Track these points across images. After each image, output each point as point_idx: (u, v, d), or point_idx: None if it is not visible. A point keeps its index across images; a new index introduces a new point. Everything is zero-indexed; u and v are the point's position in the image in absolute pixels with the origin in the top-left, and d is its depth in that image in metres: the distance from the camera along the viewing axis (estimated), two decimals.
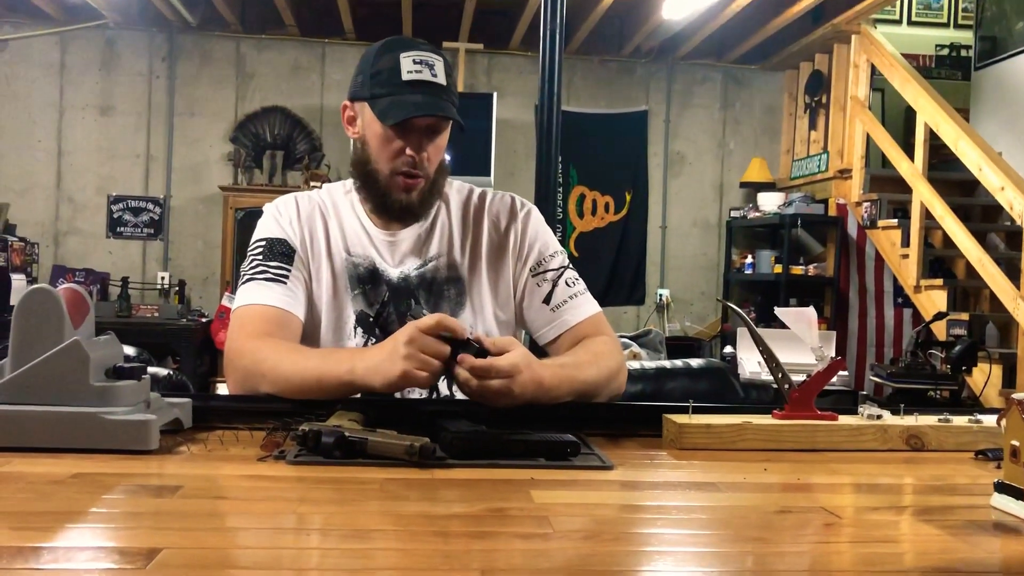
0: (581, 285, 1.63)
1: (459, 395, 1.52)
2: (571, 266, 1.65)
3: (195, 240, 6.69)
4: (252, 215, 6.32)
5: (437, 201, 1.62)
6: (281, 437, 1.16)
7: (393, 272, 1.58)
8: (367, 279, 1.57)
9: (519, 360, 1.25)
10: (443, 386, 1.54)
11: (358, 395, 1.33)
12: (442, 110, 1.49)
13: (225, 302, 6.04)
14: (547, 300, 1.60)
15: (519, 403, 1.27)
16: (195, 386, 2.16)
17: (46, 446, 1.05)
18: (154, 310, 6.18)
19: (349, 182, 1.65)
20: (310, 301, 1.56)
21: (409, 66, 1.49)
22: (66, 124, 6.55)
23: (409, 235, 1.60)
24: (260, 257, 1.54)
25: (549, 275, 1.62)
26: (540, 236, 1.66)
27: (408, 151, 1.52)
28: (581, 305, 1.60)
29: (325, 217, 1.61)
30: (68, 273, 6.33)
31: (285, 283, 1.52)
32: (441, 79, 1.50)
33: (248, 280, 1.53)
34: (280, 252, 1.55)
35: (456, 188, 1.68)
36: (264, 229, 1.59)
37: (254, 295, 1.50)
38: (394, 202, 1.55)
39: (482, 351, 1.24)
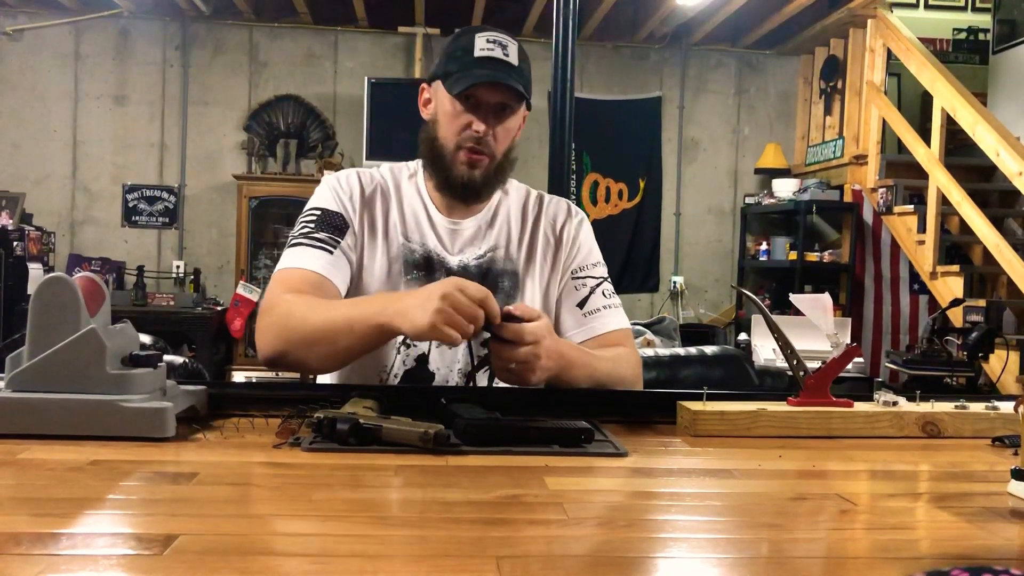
0: (616, 300, 1.65)
1: (480, 382, 1.53)
2: (610, 280, 1.67)
3: (210, 229, 6.72)
4: (266, 203, 6.34)
5: (500, 187, 1.63)
6: (296, 424, 1.16)
7: (453, 260, 1.59)
8: (422, 266, 1.57)
9: (544, 325, 1.28)
10: (456, 376, 1.54)
11: (375, 383, 1.33)
12: (506, 80, 1.50)
13: (240, 290, 6.07)
14: (581, 304, 1.62)
15: (545, 375, 1.29)
16: (211, 374, 2.18)
17: (64, 433, 1.06)
18: (169, 298, 6.22)
19: (414, 164, 1.66)
20: (361, 282, 1.56)
21: (482, 44, 1.51)
22: (81, 114, 6.57)
23: (471, 225, 1.62)
24: (312, 225, 1.54)
25: (589, 282, 1.64)
26: (587, 244, 1.68)
27: (475, 126, 1.52)
28: (613, 316, 1.62)
29: (387, 199, 1.61)
30: (84, 262, 6.37)
31: (331, 253, 1.51)
32: (513, 59, 1.51)
33: (295, 244, 1.52)
34: (333, 225, 1.54)
35: (515, 186, 1.70)
36: (321, 199, 1.59)
37: (297, 259, 1.50)
38: (456, 177, 1.55)
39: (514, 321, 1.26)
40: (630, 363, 1.55)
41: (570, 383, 1.36)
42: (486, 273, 1.60)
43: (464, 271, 1.58)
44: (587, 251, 1.67)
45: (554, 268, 1.65)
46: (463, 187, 1.56)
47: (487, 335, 1.27)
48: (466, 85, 1.49)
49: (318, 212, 1.56)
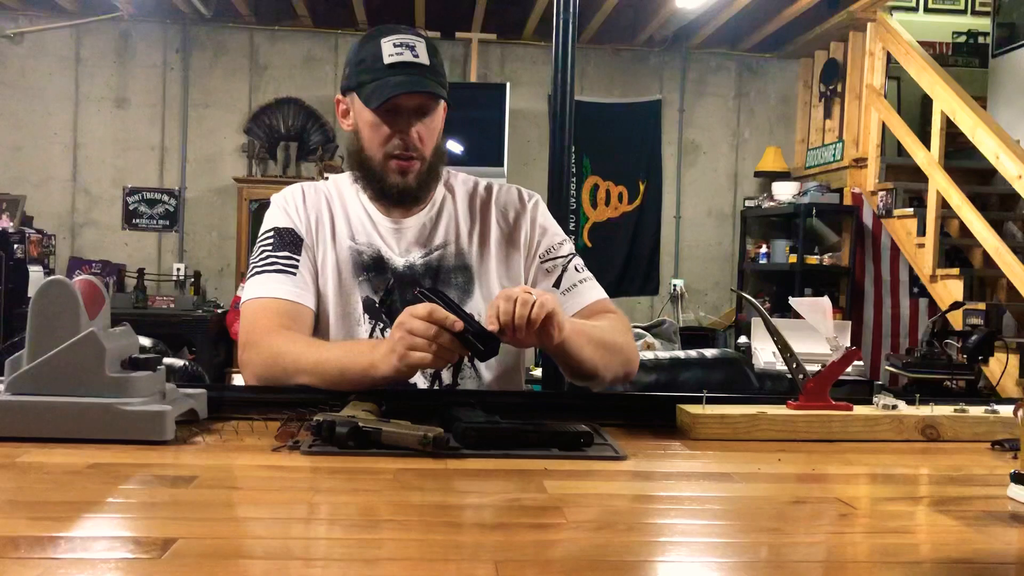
0: (588, 273, 1.66)
1: (465, 385, 1.53)
2: (577, 254, 1.67)
3: (210, 231, 6.72)
4: (266, 206, 6.25)
5: (437, 185, 1.63)
6: (295, 427, 1.16)
7: (399, 261, 1.59)
8: (372, 267, 1.58)
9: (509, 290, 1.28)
10: (447, 375, 1.54)
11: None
12: (424, 87, 1.50)
13: (240, 293, 6.06)
14: (557, 284, 1.62)
15: (558, 318, 1.27)
16: (210, 377, 2.17)
17: (63, 436, 1.06)
18: (170, 301, 6.21)
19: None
20: (316, 289, 1.57)
21: (390, 50, 1.50)
22: (81, 116, 6.58)
23: (414, 223, 1.61)
24: (269, 248, 1.55)
25: (559, 261, 1.64)
26: (548, 226, 1.68)
27: (399, 136, 1.53)
28: (590, 289, 1.63)
29: (331, 206, 1.62)
30: (84, 265, 6.38)
31: (294, 274, 1.53)
32: (424, 59, 1.51)
33: (259, 272, 1.54)
34: (289, 241, 1.56)
35: (461, 180, 1.69)
36: (272, 219, 1.61)
37: (264, 288, 1.51)
38: (391, 187, 1.56)
39: (485, 332, 1.25)
40: (620, 328, 1.55)
41: (575, 346, 1.36)
42: (436, 271, 1.59)
43: (409, 270, 1.58)
44: (550, 234, 1.67)
45: (510, 258, 1.64)
46: (399, 195, 1.57)
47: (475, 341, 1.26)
48: (382, 99, 1.48)
49: (272, 232, 1.58)
